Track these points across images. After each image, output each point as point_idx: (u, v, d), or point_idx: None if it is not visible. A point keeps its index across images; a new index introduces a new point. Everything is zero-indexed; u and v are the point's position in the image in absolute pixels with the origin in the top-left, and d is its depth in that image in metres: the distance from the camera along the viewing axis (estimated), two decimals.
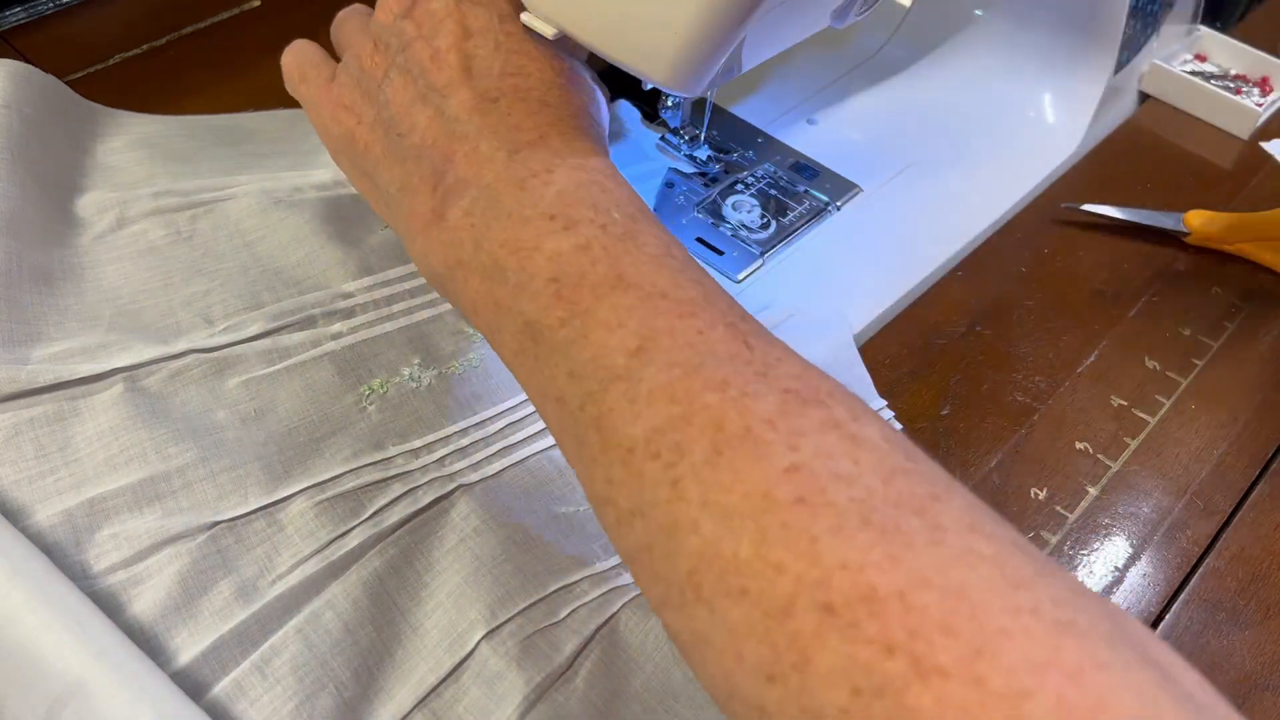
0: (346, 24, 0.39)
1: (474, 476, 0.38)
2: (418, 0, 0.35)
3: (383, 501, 0.36)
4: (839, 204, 0.52)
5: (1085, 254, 0.51)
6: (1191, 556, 0.39)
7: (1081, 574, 0.39)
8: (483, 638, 0.33)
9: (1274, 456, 0.43)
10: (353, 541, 0.35)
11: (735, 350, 0.25)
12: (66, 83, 0.51)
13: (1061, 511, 0.40)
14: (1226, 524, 0.41)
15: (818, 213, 0.52)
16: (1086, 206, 0.53)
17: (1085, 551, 0.39)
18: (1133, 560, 0.39)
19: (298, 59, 0.40)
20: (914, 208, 0.53)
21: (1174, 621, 0.37)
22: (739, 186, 0.52)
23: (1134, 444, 0.43)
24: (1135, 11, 0.55)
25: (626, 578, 0.36)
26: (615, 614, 0.35)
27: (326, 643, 0.33)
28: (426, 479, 0.37)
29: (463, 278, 0.30)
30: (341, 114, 0.36)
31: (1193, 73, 0.62)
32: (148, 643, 0.32)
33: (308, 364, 0.40)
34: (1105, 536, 0.40)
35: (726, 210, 0.51)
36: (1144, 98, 0.62)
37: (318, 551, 0.35)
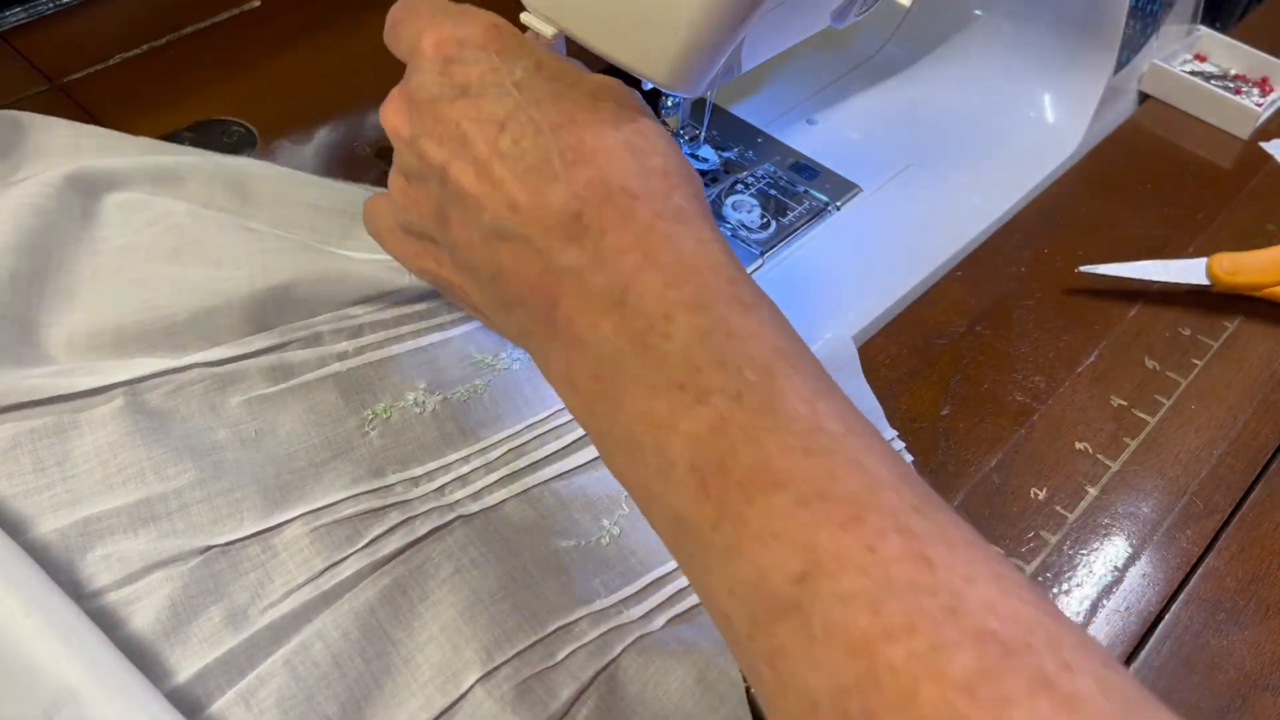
0: (385, 122, 0.34)
1: (474, 507, 0.37)
2: (416, 105, 0.31)
3: (379, 530, 0.35)
4: (839, 204, 0.52)
5: (1085, 254, 0.51)
6: (1191, 556, 0.39)
7: (1081, 574, 0.39)
8: (478, 680, 0.33)
9: (1273, 457, 0.43)
10: (347, 570, 0.34)
11: (915, 575, 0.22)
12: (66, 83, 0.51)
13: (1061, 511, 0.40)
14: (1226, 524, 0.41)
15: (818, 213, 0.52)
16: (1105, 270, 0.49)
17: (1085, 551, 0.39)
18: (1132, 560, 0.39)
19: (371, 212, 0.37)
20: (914, 208, 0.53)
21: (1173, 621, 0.37)
22: (739, 186, 0.52)
23: (1134, 444, 0.43)
24: (1135, 11, 0.55)
25: (627, 615, 0.35)
26: (615, 659, 0.34)
27: (314, 675, 0.32)
28: (425, 508, 0.37)
29: (608, 451, 0.28)
30: (421, 260, 0.33)
31: (1193, 73, 0.62)
32: (136, 666, 0.31)
33: (312, 385, 0.39)
34: (1105, 536, 0.40)
35: (726, 210, 0.51)
36: (1144, 98, 0.62)
37: (311, 580, 0.34)
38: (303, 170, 0.51)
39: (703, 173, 0.52)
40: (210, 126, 0.52)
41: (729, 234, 0.50)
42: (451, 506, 0.37)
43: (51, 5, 0.58)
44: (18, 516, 0.34)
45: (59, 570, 0.32)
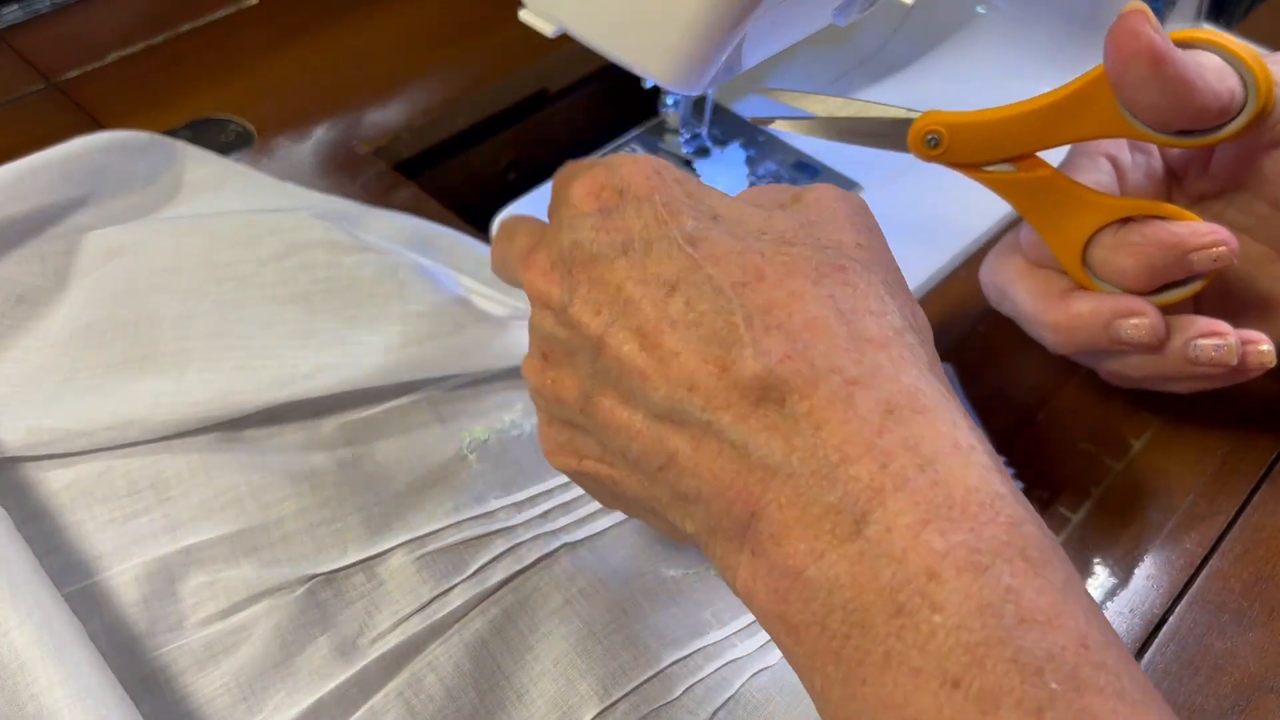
0: (529, 288, 0.29)
1: (579, 534, 0.36)
2: (568, 265, 0.26)
3: (486, 558, 0.35)
4: None
5: None
6: (1195, 558, 0.39)
7: (1085, 575, 0.38)
8: (595, 716, 0.32)
9: (1277, 458, 0.43)
10: (455, 600, 0.33)
11: None
12: (63, 81, 0.51)
13: (1064, 513, 0.40)
14: (1231, 525, 0.40)
15: None
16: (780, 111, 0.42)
17: (1088, 553, 0.39)
18: (1136, 561, 0.39)
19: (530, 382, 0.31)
20: (914, 207, 0.53)
21: (1178, 623, 0.37)
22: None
23: (1138, 444, 0.43)
24: None
25: (742, 649, 0.34)
26: (734, 695, 0.33)
27: (429, 709, 0.31)
28: (530, 535, 0.36)
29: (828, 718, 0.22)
30: (565, 459, 0.29)
31: None
32: (244, 700, 0.31)
33: (406, 408, 0.38)
34: (1108, 538, 0.40)
35: None
36: None
37: (419, 610, 0.33)
38: (302, 170, 0.51)
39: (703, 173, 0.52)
40: (208, 125, 0.52)
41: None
42: (556, 534, 0.36)
43: (49, 3, 0.58)
44: (115, 543, 0.33)
45: (161, 599, 0.32)
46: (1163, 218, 0.36)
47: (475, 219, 0.50)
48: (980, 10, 0.59)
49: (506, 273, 0.32)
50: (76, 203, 0.42)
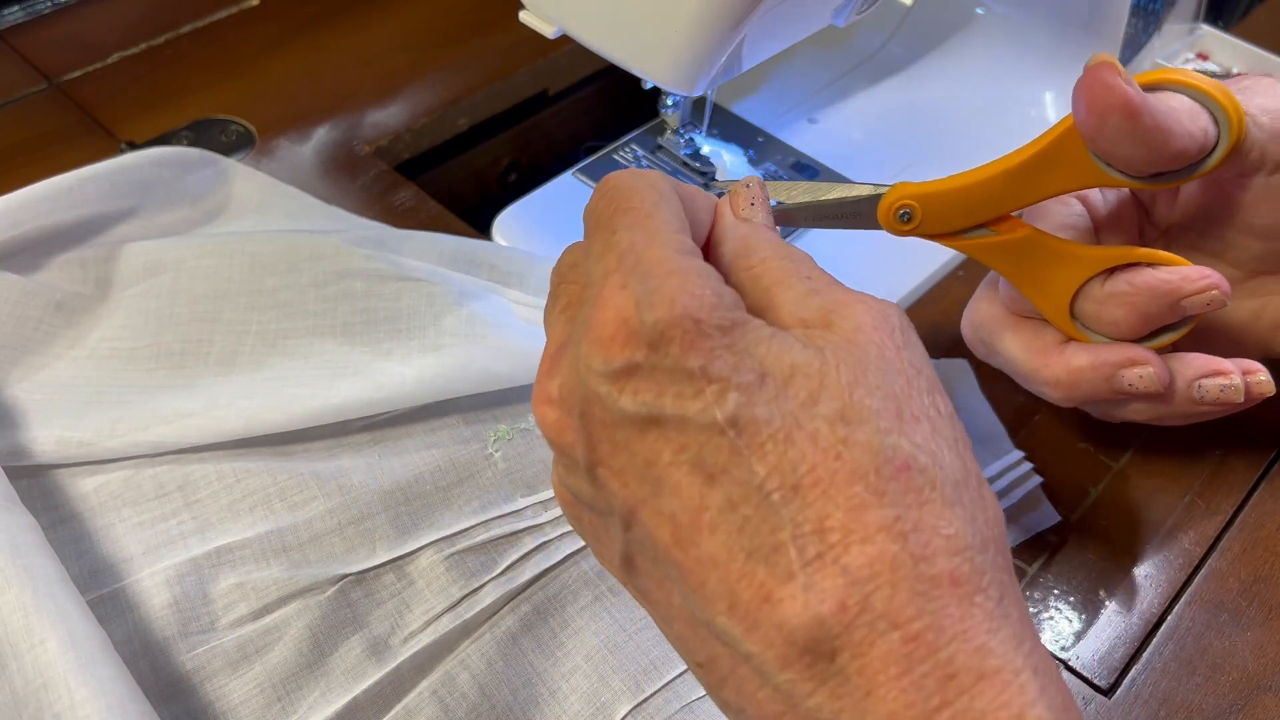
0: (540, 422, 0.25)
1: None
2: (586, 421, 0.23)
3: (515, 556, 0.35)
4: None
5: None
6: (1194, 557, 0.39)
7: (1083, 575, 0.39)
8: (629, 711, 0.32)
9: (1276, 457, 0.43)
10: (486, 598, 0.34)
11: None
12: (64, 82, 0.51)
13: (1063, 513, 0.40)
14: (1228, 525, 0.40)
15: None
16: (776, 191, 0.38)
17: (1087, 553, 0.39)
18: (1134, 561, 0.39)
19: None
20: None
21: (1176, 622, 0.37)
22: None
23: (1136, 444, 0.43)
24: (1137, 10, 0.55)
25: None
26: None
27: (463, 707, 0.32)
28: (558, 532, 0.36)
29: None
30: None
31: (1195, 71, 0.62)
32: (279, 700, 0.31)
33: (430, 407, 0.38)
34: (1107, 537, 0.40)
35: None
36: None
37: (450, 608, 0.33)
38: (302, 171, 0.51)
39: (703, 173, 0.52)
40: (209, 125, 0.52)
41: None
42: None
43: (50, 4, 0.58)
44: (146, 545, 0.33)
45: (193, 602, 0.32)
46: (1149, 264, 0.35)
47: (475, 219, 0.50)
48: (979, 11, 0.59)
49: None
50: (123, 214, 0.43)
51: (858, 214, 0.36)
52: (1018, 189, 0.35)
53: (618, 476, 0.22)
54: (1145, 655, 0.36)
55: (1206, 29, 0.64)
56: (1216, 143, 0.33)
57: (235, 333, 0.39)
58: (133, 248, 0.41)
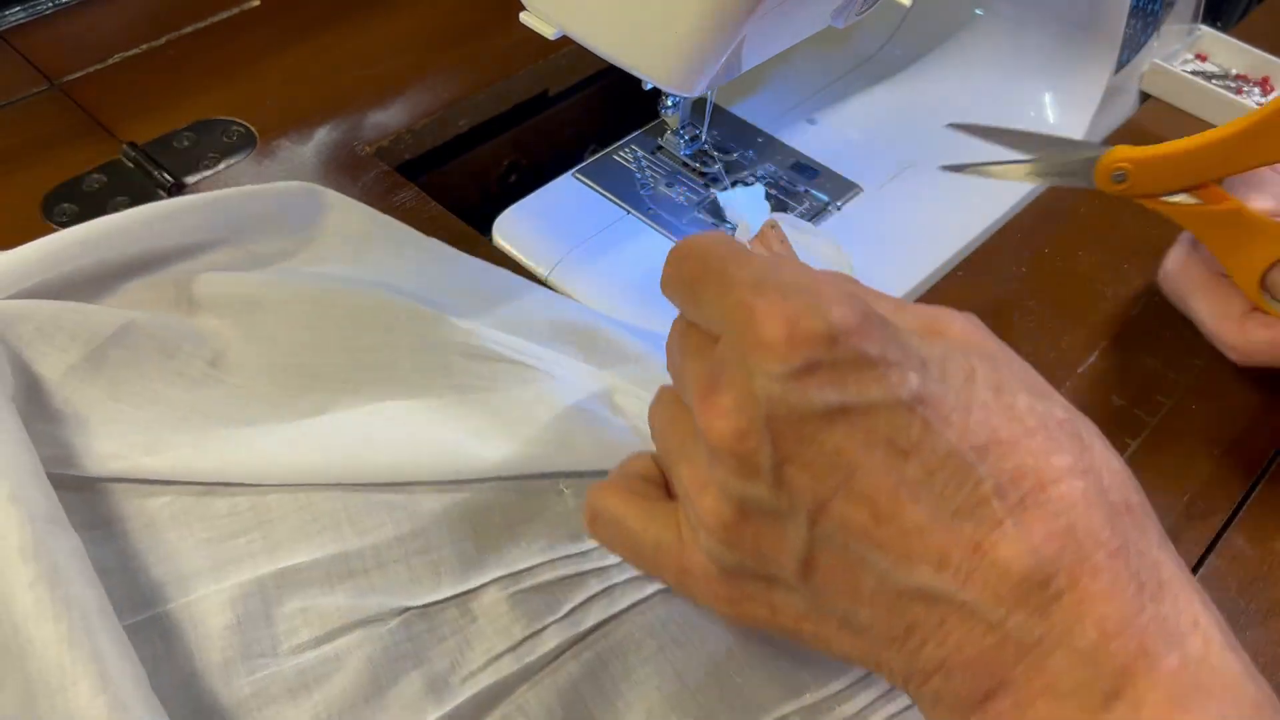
0: (714, 435, 0.25)
1: None
2: (771, 421, 0.23)
3: (579, 598, 0.34)
4: (839, 204, 0.52)
5: (1085, 254, 0.51)
6: (1192, 557, 0.39)
7: None
8: None
9: (1274, 457, 0.43)
10: (548, 642, 0.33)
11: None
12: (65, 83, 0.51)
13: None
14: (1227, 525, 0.40)
15: (818, 213, 0.51)
16: (970, 160, 0.43)
17: None
18: None
19: (635, 533, 0.29)
20: (914, 208, 0.53)
21: None
22: (739, 186, 0.52)
23: (1134, 444, 0.43)
24: (1136, 11, 0.55)
25: (839, 712, 0.32)
26: None
27: None
28: (624, 577, 0.35)
29: None
30: (747, 606, 0.27)
31: (1193, 72, 0.62)
32: None
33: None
34: None
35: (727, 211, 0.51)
36: (1144, 97, 0.62)
37: (512, 649, 0.33)
38: (304, 171, 0.51)
39: (703, 173, 0.52)
40: (210, 126, 0.52)
41: (730, 234, 0.49)
42: (650, 577, 0.35)
43: (51, 5, 0.58)
44: (214, 561, 0.33)
45: (256, 623, 0.32)
46: None
47: (476, 220, 0.50)
48: (978, 12, 0.59)
49: (686, 301, 0.28)
50: (219, 242, 0.42)
51: (1075, 173, 0.40)
52: (1230, 157, 0.37)
53: (807, 469, 0.23)
54: None
55: (1205, 30, 0.64)
56: None
57: (333, 390, 0.38)
58: (230, 278, 0.41)
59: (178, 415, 0.37)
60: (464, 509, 0.36)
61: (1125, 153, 0.39)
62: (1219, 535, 0.40)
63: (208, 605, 0.32)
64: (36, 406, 0.36)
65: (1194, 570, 0.39)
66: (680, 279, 0.27)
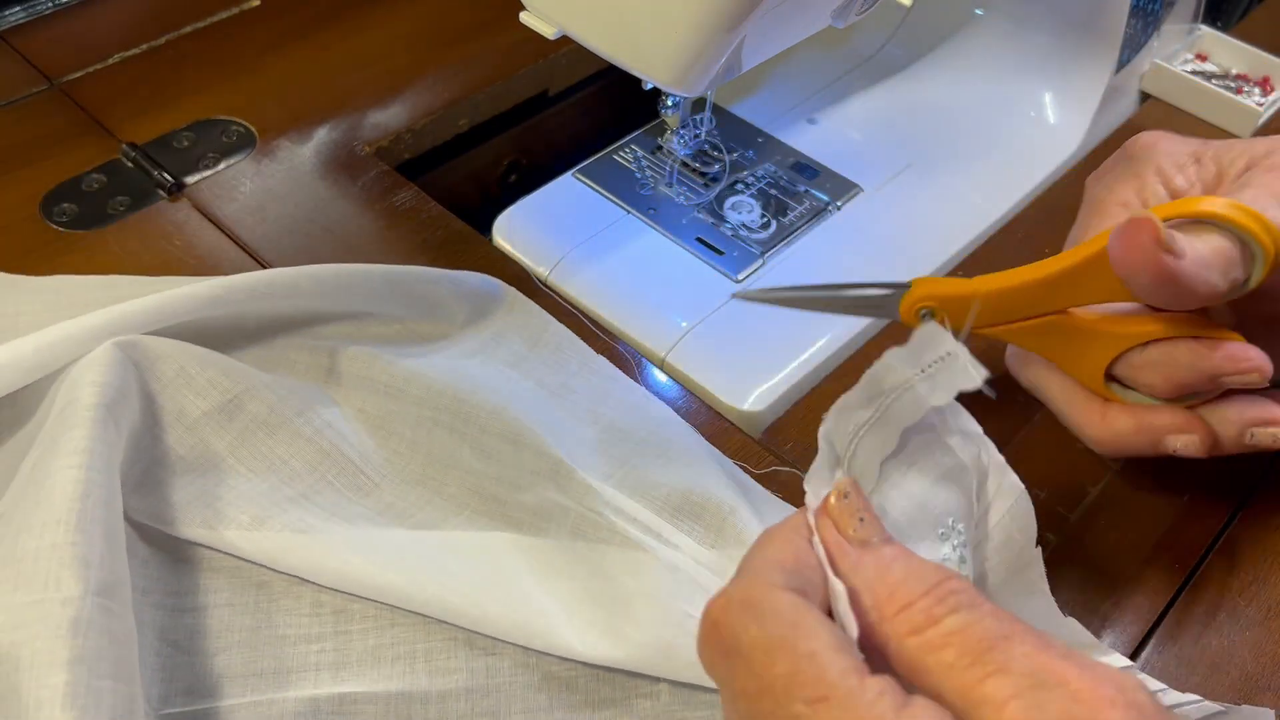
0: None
1: None
2: None
3: None
4: (839, 204, 0.52)
5: None
6: (1193, 557, 0.39)
7: (1081, 574, 0.39)
8: None
9: (1275, 457, 0.43)
10: None
11: None
12: (65, 82, 0.51)
13: (1062, 512, 0.40)
14: (1227, 525, 0.41)
15: (818, 212, 0.51)
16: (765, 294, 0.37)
17: (1085, 552, 0.39)
18: (1133, 561, 0.39)
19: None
20: (914, 208, 0.53)
21: (1174, 622, 0.37)
22: (739, 186, 0.52)
23: None
24: (1136, 11, 0.55)
25: None
26: None
27: None
28: None
29: None
30: None
31: (1194, 72, 0.62)
32: None
33: None
34: (1105, 537, 0.40)
35: (727, 210, 0.51)
36: (1145, 97, 0.62)
37: None
38: (303, 171, 0.51)
39: (703, 173, 0.52)
40: (210, 126, 0.52)
41: (729, 234, 0.49)
42: None
43: (51, 5, 0.58)
44: (280, 665, 0.32)
45: None
46: (1193, 337, 0.34)
47: (475, 220, 0.50)
48: (978, 12, 0.59)
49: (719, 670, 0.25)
50: (386, 316, 0.42)
51: (880, 307, 0.36)
52: (1044, 298, 0.35)
53: None
54: (1144, 654, 0.36)
55: (1205, 29, 0.64)
56: (1248, 278, 0.33)
57: (450, 511, 0.38)
58: (380, 357, 0.40)
59: (293, 491, 0.36)
60: (543, 679, 0.34)
61: (927, 289, 0.35)
62: (1219, 536, 0.40)
63: (258, 714, 0.31)
64: (160, 450, 0.35)
65: (1193, 571, 0.39)
66: (710, 624, 0.24)
